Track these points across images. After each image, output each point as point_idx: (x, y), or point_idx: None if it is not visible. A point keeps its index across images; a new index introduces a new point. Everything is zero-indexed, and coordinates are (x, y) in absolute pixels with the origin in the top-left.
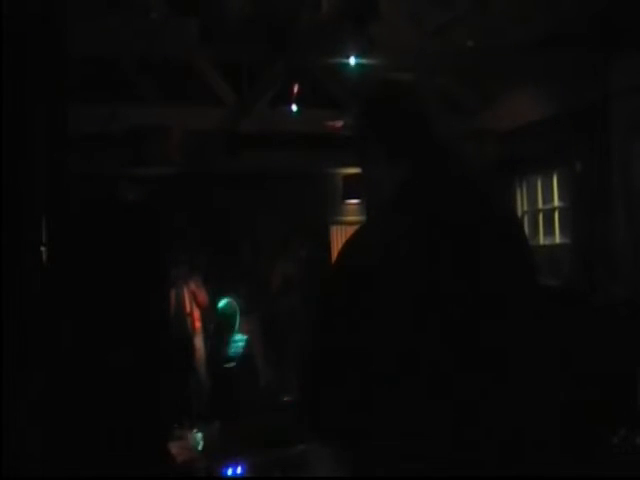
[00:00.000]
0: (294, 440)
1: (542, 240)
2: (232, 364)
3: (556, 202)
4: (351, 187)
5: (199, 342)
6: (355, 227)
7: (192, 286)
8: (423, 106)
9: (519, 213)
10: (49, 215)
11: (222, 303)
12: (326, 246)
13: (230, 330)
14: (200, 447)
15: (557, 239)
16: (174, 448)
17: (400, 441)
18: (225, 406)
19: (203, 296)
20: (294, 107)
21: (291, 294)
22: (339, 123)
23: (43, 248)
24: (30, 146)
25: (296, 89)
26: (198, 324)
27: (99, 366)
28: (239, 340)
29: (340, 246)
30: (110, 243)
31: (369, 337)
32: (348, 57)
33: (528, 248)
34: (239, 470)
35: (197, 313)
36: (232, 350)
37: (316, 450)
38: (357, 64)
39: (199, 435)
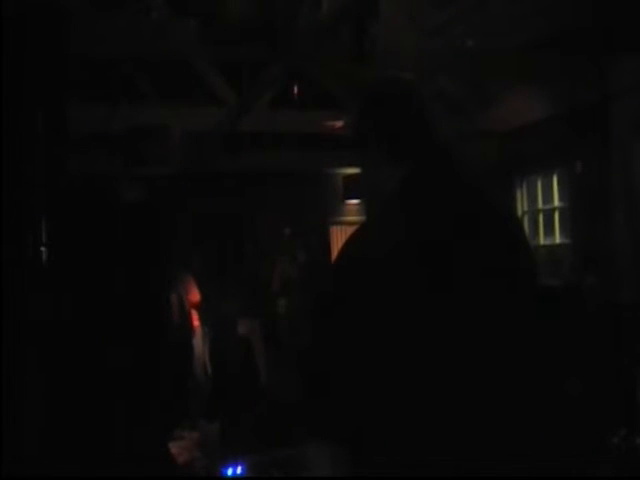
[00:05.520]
0: (294, 440)
1: (542, 240)
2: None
3: (556, 202)
4: (351, 187)
5: (198, 342)
6: (355, 227)
7: (185, 285)
8: (423, 105)
9: (519, 213)
10: (49, 215)
11: None
12: (326, 246)
13: None
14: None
15: (557, 239)
16: (174, 448)
17: (401, 441)
18: (225, 406)
19: (195, 294)
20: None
21: (291, 295)
22: (339, 123)
23: (43, 248)
24: (30, 146)
25: (296, 89)
26: (196, 324)
27: (99, 366)
28: None
29: (340, 246)
30: (110, 243)
31: (370, 335)
32: (348, 57)
33: (527, 247)
34: (239, 470)
35: (195, 313)
36: None
37: (316, 450)
38: (357, 64)
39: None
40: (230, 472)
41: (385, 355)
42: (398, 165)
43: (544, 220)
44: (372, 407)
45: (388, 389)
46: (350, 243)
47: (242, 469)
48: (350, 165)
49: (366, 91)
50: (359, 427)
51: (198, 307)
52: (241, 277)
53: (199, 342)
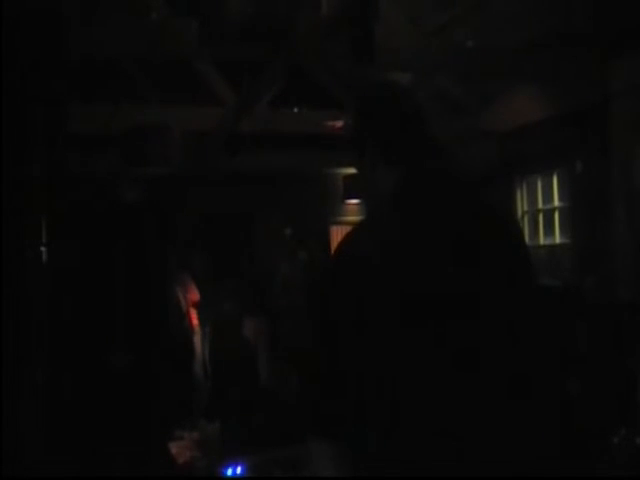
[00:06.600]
0: (294, 440)
1: (542, 240)
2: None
3: (556, 202)
4: (351, 187)
5: (197, 341)
6: (351, 228)
7: (183, 284)
8: (420, 106)
9: (519, 213)
10: (49, 215)
11: None
12: (326, 246)
13: None
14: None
15: (557, 239)
16: (174, 448)
17: (401, 440)
18: (225, 406)
19: (195, 293)
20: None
21: (292, 295)
22: (339, 123)
23: (43, 248)
24: (30, 146)
25: (296, 89)
26: (196, 322)
27: (99, 366)
28: None
29: (336, 246)
30: (110, 243)
31: (368, 334)
32: (348, 57)
33: (525, 248)
34: (239, 470)
35: (194, 312)
36: None
37: (316, 450)
38: (357, 64)
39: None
40: (230, 472)
41: (384, 354)
42: (395, 167)
43: (544, 220)
44: (372, 405)
45: (388, 387)
46: (345, 243)
47: (242, 469)
48: (350, 165)
49: (363, 93)
50: (360, 426)
51: (197, 306)
52: (241, 277)
53: (198, 341)
